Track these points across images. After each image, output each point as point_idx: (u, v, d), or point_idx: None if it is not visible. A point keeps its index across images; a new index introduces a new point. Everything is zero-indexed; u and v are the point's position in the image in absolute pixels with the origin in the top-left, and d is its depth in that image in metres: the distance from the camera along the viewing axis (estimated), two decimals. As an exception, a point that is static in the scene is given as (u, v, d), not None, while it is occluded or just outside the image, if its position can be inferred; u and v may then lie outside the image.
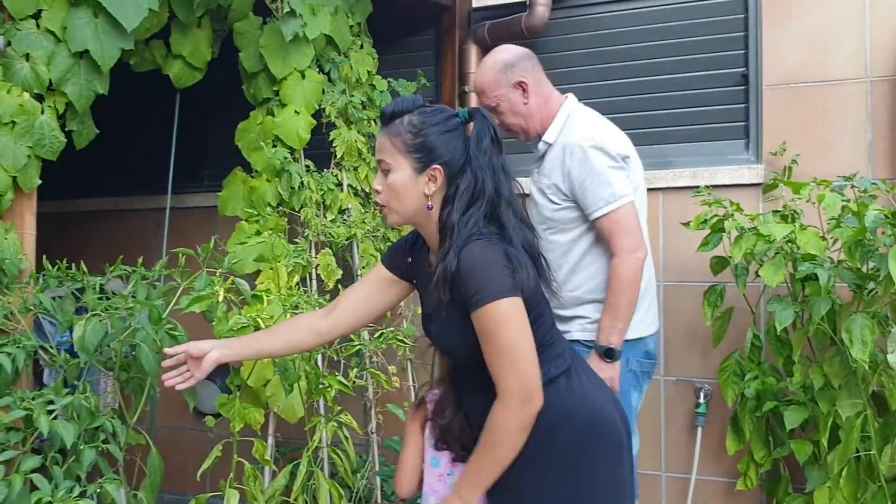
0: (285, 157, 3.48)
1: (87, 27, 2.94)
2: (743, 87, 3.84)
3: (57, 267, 2.87)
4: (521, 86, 2.91)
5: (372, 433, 3.52)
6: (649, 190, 3.12)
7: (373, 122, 3.90)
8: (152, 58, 3.60)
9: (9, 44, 2.90)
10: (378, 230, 3.73)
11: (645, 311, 2.90)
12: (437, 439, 2.23)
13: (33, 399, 2.42)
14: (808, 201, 3.17)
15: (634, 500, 2.17)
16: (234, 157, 3.84)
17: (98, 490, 2.41)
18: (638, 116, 3.94)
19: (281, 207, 3.55)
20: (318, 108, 3.64)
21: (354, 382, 3.16)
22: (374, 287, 2.25)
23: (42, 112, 2.92)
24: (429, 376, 3.82)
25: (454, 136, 1.99)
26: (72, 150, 3.01)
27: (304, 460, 2.92)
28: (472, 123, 2.01)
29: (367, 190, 3.84)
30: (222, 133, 4.49)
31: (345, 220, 3.67)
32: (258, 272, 3.38)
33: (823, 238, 3.10)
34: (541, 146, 2.97)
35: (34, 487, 2.35)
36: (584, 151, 2.80)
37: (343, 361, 3.35)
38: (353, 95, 3.77)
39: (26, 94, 2.89)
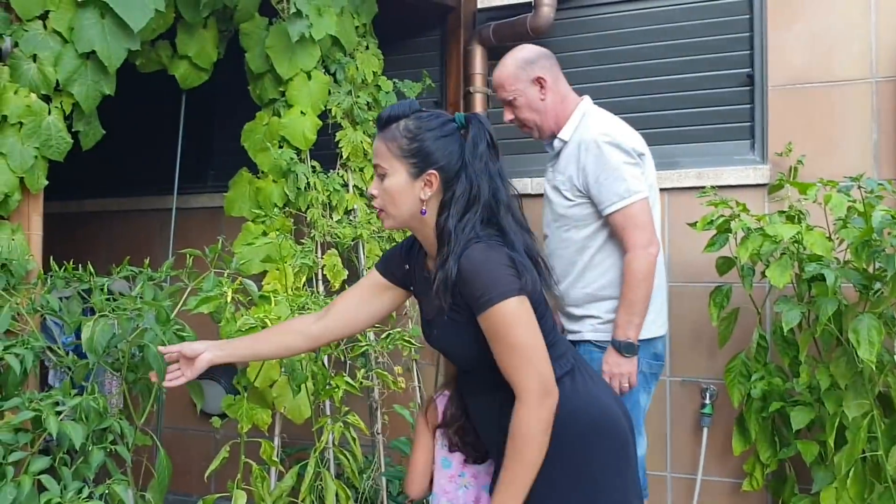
0: (291, 158, 3.47)
1: (94, 28, 2.94)
2: (748, 88, 3.84)
3: (64, 268, 2.87)
4: (540, 82, 2.97)
5: (378, 434, 3.52)
6: (654, 190, 3.12)
7: (378, 123, 3.90)
8: (158, 58, 3.60)
9: (16, 45, 2.90)
10: (383, 231, 3.73)
11: (657, 313, 2.92)
12: (448, 441, 2.23)
13: (41, 400, 2.42)
14: (814, 202, 3.18)
15: (642, 499, 2.17)
16: (238, 158, 3.84)
17: (106, 491, 2.40)
18: (643, 117, 3.93)
19: (287, 208, 3.55)
20: (324, 108, 3.64)
21: (361, 383, 3.16)
22: (368, 293, 2.26)
23: (49, 113, 2.92)
24: (434, 377, 3.84)
25: (450, 141, 1.99)
26: (75, 150, 3.01)
27: (311, 461, 2.92)
28: (468, 128, 2.01)
29: (372, 191, 3.84)
30: (227, 133, 4.50)
31: (350, 220, 3.67)
32: (264, 273, 3.38)
33: (829, 239, 3.10)
34: (556, 144, 3.02)
35: (43, 488, 2.34)
36: (599, 147, 2.85)
37: (349, 362, 3.34)
38: (358, 96, 3.77)
39: (33, 95, 2.89)
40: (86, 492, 2.36)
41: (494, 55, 4.22)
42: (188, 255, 2.79)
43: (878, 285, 2.99)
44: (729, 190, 3.67)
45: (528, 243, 2.00)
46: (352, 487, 3.23)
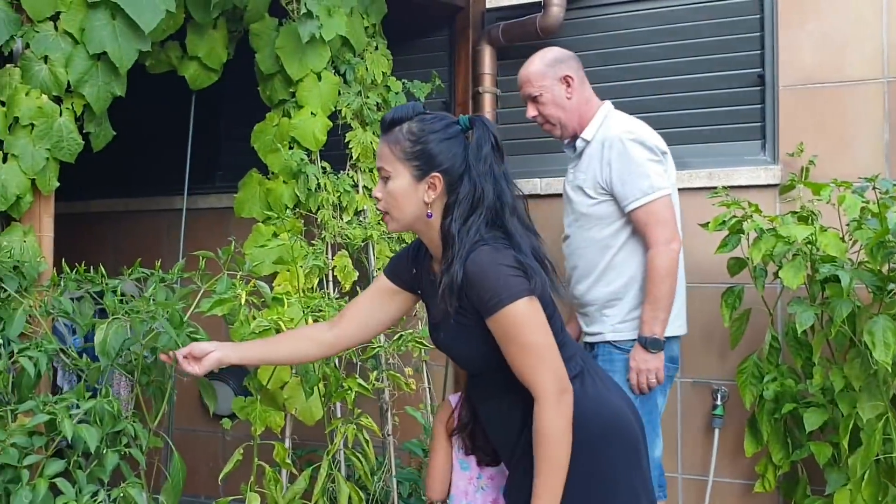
0: (302, 159, 3.46)
1: (105, 29, 2.93)
2: (759, 88, 3.82)
3: (76, 270, 2.86)
4: (567, 80, 3.04)
5: (388, 435, 3.51)
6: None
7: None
8: (168, 59, 3.59)
9: (27, 46, 2.89)
10: (393, 232, 3.72)
11: (675, 313, 2.92)
12: (461, 445, 2.23)
13: (56, 403, 2.41)
14: (828, 202, 3.16)
15: (654, 500, 2.16)
16: (246, 159, 3.83)
17: (121, 494, 2.39)
18: (653, 117, 3.89)
19: (297, 209, 3.54)
20: (333, 109, 3.62)
21: (374, 385, 3.15)
22: (378, 298, 2.25)
23: (60, 114, 2.91)
24: (443, 379, 3.83)
25: (454, 143, 1.98)
26: (82, 150, 3.00)
27: (324, 463, 2.91)
28: (472, 131, 2.00)
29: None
30: (234, 134, 4.49)
31: (360, 221, 3.66)
32: (274, 274, 3.37)
33: (842, 239, 3.08)
34: (578, 143, 3.06)
35: (58, 492, 2.33)
36: (623, 144, 2.90)
37: (360, 364, 3.33)
38: (368, 97, 3.76)
39: (45, 97, 2.88)
40: (101, 495, 2.34)
41: (503, 55, 4.22)
42: (201, 257, 2.78)
43: (892, 286, 2.97)
44: (740, 190, 3.65)
45: (534, 245, 1.99)
46: (363, 489, 3.22)
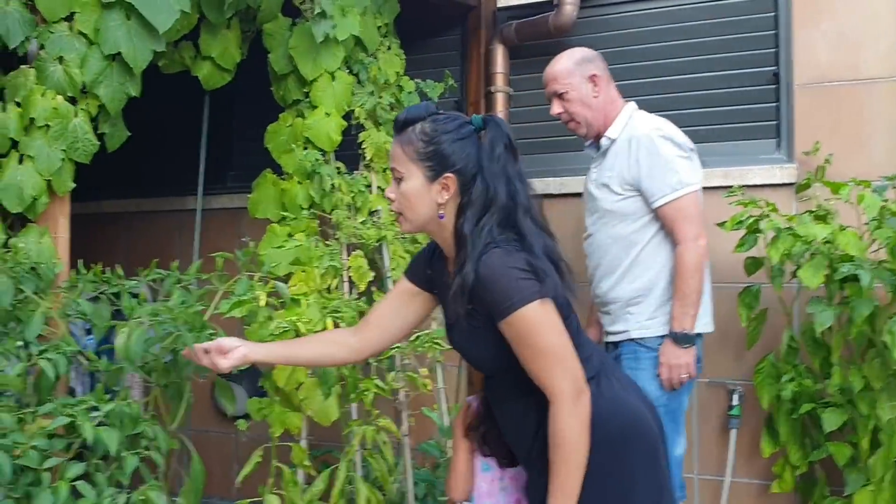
0: (317, 160, 3.45)
1: (120, 29, 2.92)
2: (774, 87, 3.80)
3: (92, 271, 2.84)
4: (594, 79, 3.07)
5: (404, 436, 3.49)
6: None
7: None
8: (181, 59, 3.57)
9: (42, 46, 2.88)
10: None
11: (702, 311, 2.94)
12: (479, 446, 2.22)
13: (75, 406, 2.39)
14: (846, 201, 3.15)
15: (675, 501, 2.15)
16: (258, 159, 3.82)
17: (142, 497, 2.38)
18: (667, 116, 3.86)
19: (312, 210, 3.53)
20: (347, 109, 3.61)
21: (391, 386, 3.14)
22: (399, 301, 2.23)
23: (75, 115, 2.90)
24: (456, 379, 3.82)
25: (467, 143, 1.96)
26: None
27: (342, 465, 2.89)
28: (485, 131, 1.98)
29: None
30: (246, 134, 4.47)
31: (374, 221, 3.64)
32: (289, 275, 3.36)
33: (860, 238, 3.07)
34: (603, 142, 3.08)
35: (79, 495, 2.32)
36: (651, 141, 2.93)
37: (375, 365, 3.32)
38: (381, 97, 3.74)
39: (60, 97, 2.88)
40: (122, 498, 2.33)
41: (516, 54, 4.21)
42: (217, 258, 2.76)
43: (912, 286, 2.96)
44: (755, 189, 3.63)
45: (547, 245, 1.97)
46: (380, 490, 3.20)
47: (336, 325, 2.98)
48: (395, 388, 3.28)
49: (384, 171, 3.77)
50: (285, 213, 3.42)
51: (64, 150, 2.87)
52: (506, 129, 1.99)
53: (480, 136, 1.98)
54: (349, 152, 3.75)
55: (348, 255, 3.55)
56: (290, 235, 3.37)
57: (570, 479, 1.86)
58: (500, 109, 4.12)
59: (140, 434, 2.52)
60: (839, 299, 3.13)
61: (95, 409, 2.42)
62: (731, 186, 3.50)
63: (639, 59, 4.02)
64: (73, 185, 2.93)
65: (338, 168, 3.60)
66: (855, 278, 2.95)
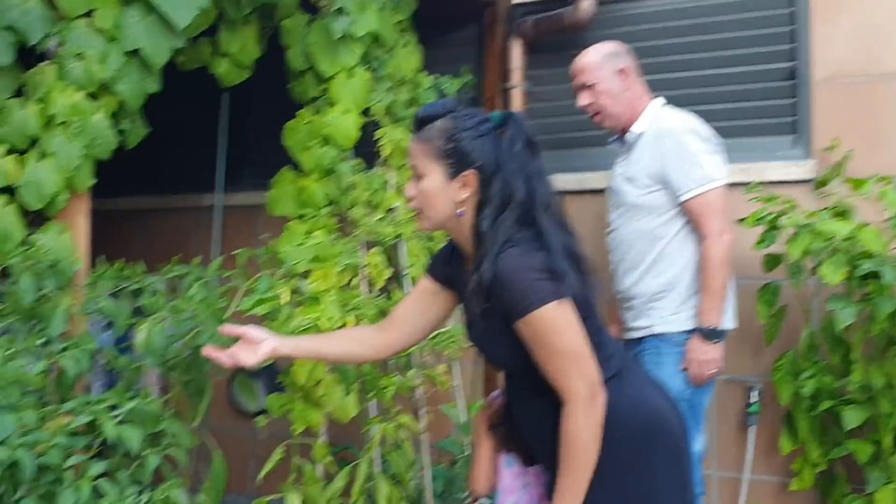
0: (335, 157, 3.44)
1: (139, 26, 2.93)
2: (792, 82, 3.78)
3: (112, 268, 2.85)
4: (623, 73, 3.10)
5: (422, 433, 3.48)
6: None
7: (417, 120, 3.87)
8: (200, 56, 3.57)
9: (62, 43, 2.88)
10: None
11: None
12: (503, 442, 2.21)
13: (97, 404, 2.40)
14: (867, 198, 3.13)
15: (697, 499, 2.15)
16: (275, 156, 3.81)
17: (164, 496, 2.38)
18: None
19: (330, 207, 3.52)
20: (365, 106, 3.60)
21: (410, 383, 3.14)
22: (422, 300, 2.23)
23: (95, 112, 2.90)
24: (471, 376, 3.82)
25: (486, 140, 1.95)
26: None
27: (363, 462, 2.90)
28: (505, 127, 1.97)
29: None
30: (262, 131, 4.46)
31: (392, 219, 3.64)
32: (307, 272, 3.35)
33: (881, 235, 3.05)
34: (629, 137, 3.10)
35: (101, 493, 2.32)
36: (679, 135, 2.96)
37: (394, 362, 3.31)
38: (398, 93, 3.73)
39: (80, 94, 2.87)
40: (145, 496, 2.33)
41: (533, 50, 4.19)
42: (239, 255, 2.76)
43: (935, 283, 2.94)
44: (772, 186, 3.60)
45: (567, 243, 1.95)
46: (399, 485, 3.20)
47: (357, 323, 2.97)
48: (413, 385, 3.28)
49: (401, 168, 3.75)
50: (304, 211, 3.41)
51: (84, 147, 2.86)
52: (525, 125, 1.99)
53: (500, 133, 1.97)
54: (366, 149, 3.74)
55: (366, 253, 3.55)
56: (308, 233, 3.37)
57: (578, 480, 1.86)
58: (518, 105, 4.10)
59: (161, 432, 2.53)
60: (859, 296, 3.12)
61: (116, 407, 2.42)
62: (748, 183, 3.48)
63: (655, 55, 3.99)
64: (93, 181, 2.93)
65: (355, 165, 3.59)
66: (876, 275, 2.94)
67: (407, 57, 3.82)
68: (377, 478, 2.91)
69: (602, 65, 3.10)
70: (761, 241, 3.30)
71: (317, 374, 3.05)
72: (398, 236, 3.53)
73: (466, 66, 4.10)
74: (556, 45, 4.13)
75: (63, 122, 2.84)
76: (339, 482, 2.90)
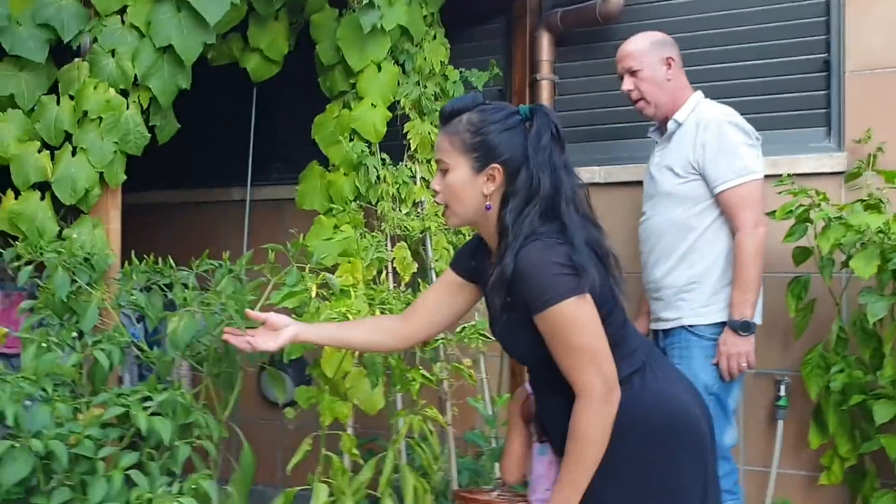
0: (363, 151, 3.47)
1: (171, 22, 2.96)
2: (824, 74, 3.74)
3: (144, 262, 2.89)
4: (669, 62, 3.15)
5: (448, 425, 3.51)
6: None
7: (445, 114, 3.88)
8: (230, 51, 3.61)
9: (95, 40, 2.92)
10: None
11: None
12: (536, 431, 2.22)
13: (129, 396, 2.44)
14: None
15: (720, 494, 2.14)
16: (302, 150, 3.85)
17: (194, 486, 2.42)
18: (715, 104, 3.86)
19: (357, 201, 3.55)
20: (393, 100, 3.62)
21: (437, 376, 3.16)
22: (446, 292, 2.24)
23: (127, 107, 2.94)
24: (498, 369, 3.83)
25: (514, 134, 1.96)
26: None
27: (390, 454, 2.92)
28: (532, 121, 1.97)
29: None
30: (290, 126, 4.50)
31: (418, 213, 3.66)
32: (335, 266, 3.39)
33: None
34: (670, 125, 3.13)
35: (132, 484, 2.37)
36: (719, 126, 2.98)
37: (419, 355, 3.34)
38: (426, 87, 3.74)
39: (112, 90, 2.92)
40: (175, 487, 2.38)
41: (562, 42, 4.18)
42: (269, 250, 2.79)
43: (968, 277, 2.91)
44: (804, 178, 3.56)
45: (591, 237, 1.95)
46: (425, 478, 3.23)
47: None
48: (440, 378, 3.30)
49: (428, 161, 3.77)
50: (332, 206, 3.44)
51: (116, 143, 2.91)
52: (553, 118, 1.98)
53: (527, 126, 1.97)
54: (394, 143, 3.76)
55: (392, 247, 3.57)
56: (336, 227, 3.40)
57: (582, 474, 1.87)
58: (546, 98, 4.10)
59: (192, 423, 2.57)
60: (892, 289, 3.09)
61: (148, 398, 2.46)
62: (779, 175, 3.45)
63: (686, 47, 3.92)
64: (125, 177, 2.97)
65: (383, 159, 3.61)
66: (907, 269, 2.91)
67: (435, 50, 3.83)
68: (403, 469, 2.94)
69: (648, 52, 3.14)
70: (790, 235, 3.27)
71: (344, 367, 3.08)
72: (425, 230, 3.55)
73: (494, 59, 4.09)
74: (586, 37, 4.12)
75: (96, 119, 2.89)
76: (366, 473, 2.93)
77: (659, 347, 3.19)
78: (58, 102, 2.90)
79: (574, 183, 1.98)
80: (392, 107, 3.64)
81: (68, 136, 2.90)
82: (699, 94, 3.20)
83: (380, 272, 3.49)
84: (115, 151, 2.91)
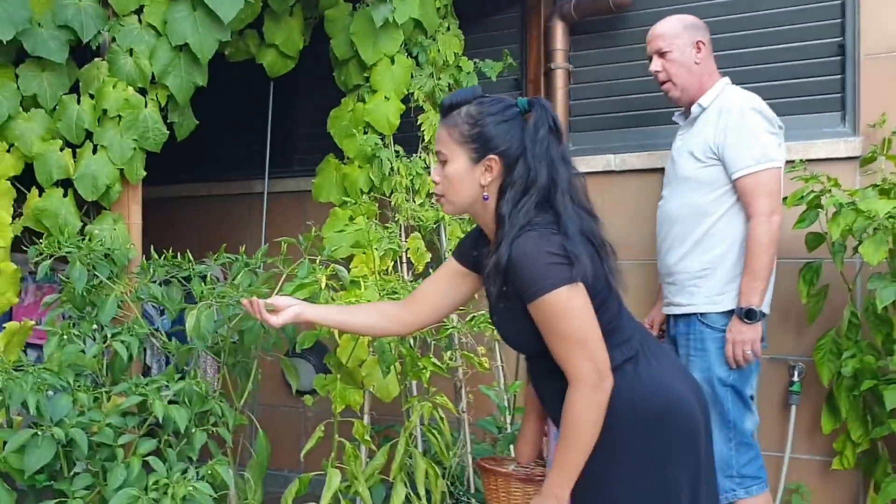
0: (376, 144, 3.52)
1: (186, 20, 3.03)
2: (839, 58, 3.73)
3: (164, 256, 2.98)
4: (699, 45, 3.15)
5: (463, 412, 3.57)
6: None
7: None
8: (246, 47, 3.68)
9: (113, 39, 3.00)
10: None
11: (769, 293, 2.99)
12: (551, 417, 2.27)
13: (147, 385, 2.53)
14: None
15: (715, 482, 2.16)
16: (324, 142, 3.91)
17: (209, 471, 2.51)
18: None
19: (372, 193, 3.61)
20: (406, 92, 3.67)
21: (448, 364, 3.22)
22: (448, 280, 2.29)
23: (145, 105, 3.02)
24: (515, 357, 3.88)
25: (511, 125, 2.00)
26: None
27: (401, 440, 2.99)
28: (531, 113, 2.01)
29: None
30: (311, 118, 4.57)
31: (433, 203, 3.71)
32: (351, 256, 3.46)
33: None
34: (694, 109, 3.15)
35: (150, 470, 2.46)
36: (742, 112, 2.98)
37: (434, 343, 3.40)
38: (439, 78, 3.79)
39: (130, 89, 3.00)
40: (191, 472, 2.47)
41: (575, 31, 4.20)
42: (283, 243, 2.87)
43: (977, 262, 2.91)
44: (819, 163, 3.58)
45: (586, 226, 1.99)
46: (438, 464, 3.30)
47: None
48: (452, 366, 3.36)
49: (443, 152, 3.82)
50: (347, 198, 3.51)
51: (135, 140, 3.00)
52: (551, 111, 2.02)
53: (525, 119, 2.02)
54: (408, 134, 3.82)
55: (407, 237, 3.63)
56: (351, 219, 3.46)
57: (574, 460, 1.92)
58: (560, 86, 4.12)
59: (209, 411, 2.66)
60: (903, 275, 3.10)
61: (166, 387, 2.55)
62: (793, 161, 3.46)
63: (700, 33, 3.96)
64: (145, 173, 3.06)
65: (396, 151, 3.67)
66: (918, 254, 2.92)
67: (448, 41, 3.87)
68: (415, 455, 3.01)
69: (680, 34, 3.14)
70: (801, 221, 3.29)
71: (360, 355, 3.16)
72: (439, 220, 3.60)
73: (509, 49, 4.12)
74: (599, 25, 4.13)
75: (115, 117, 2.97)
76: (379, 459, 3.00)
77: (670, 335, 3.22)
78: (78, 101, 2.99)
79: (570, 174, 2.02)
80: (406, 99, 3.69)
81: (89, 135, 2.99)
82: (726, 79, 3.20)
83: (395, 263, 3.56)
84: (135, 148, 3.00)
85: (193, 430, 2.58)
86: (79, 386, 2.47)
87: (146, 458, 2.46)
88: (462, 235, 3.62)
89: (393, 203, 3.59)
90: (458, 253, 2.29)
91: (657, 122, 3.96)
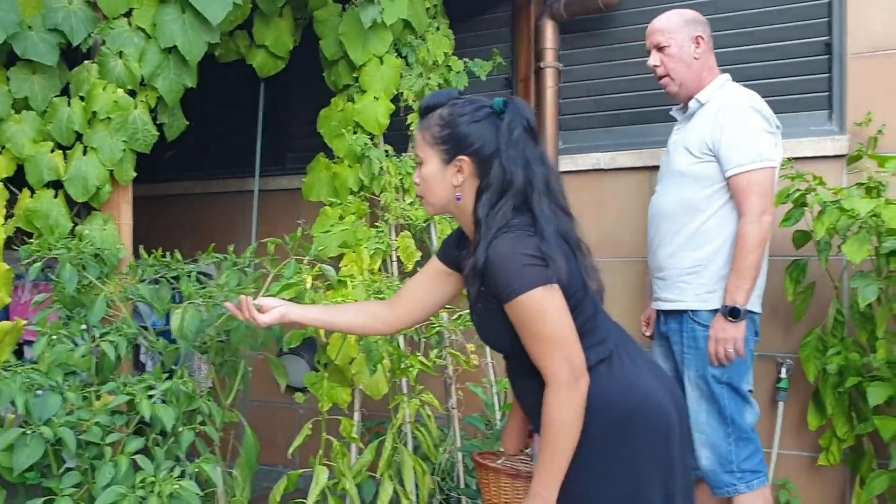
0: (365, 143, 3.55)
1: (175, 23, 3.06)
2: (826, 57, 3.75)
3: (153, 256, 3.01)
4: (698, 41, 3.13)
5: (452, 409, 3.60)
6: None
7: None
8: (236, 48, 3.71)
9: (103, 42, 3.03)
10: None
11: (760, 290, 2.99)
12: None
13: (135, 384, 2.57)
14: (893, 174, 3.12)
15: (690, 482, 2.17)
16: (315, 141, 3.93)
17: (196, 469, 2.55)
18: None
19: (362, 192, 3.64)
20: (396, 92, 3.69)
21: (435, 363, 3.25)
22: (432, 280, 2.31)
23: (135, 107, 3.05)
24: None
25: (483, 126, 2.00)
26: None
27: (388, 437, 3.02)
28: (505, 113, 2.01)
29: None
30: (303, 117, 4.59)
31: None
32: (341, 255, 3.49)
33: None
34: (692, 105, 3.13)
35: (138, 468, 2.50)
36: (740, 109, 2.97)
37: (423, 341, 3.43)
38: (429, 78, 3.81)
39: (120, 91, 3.03)
40: (177, 470, 2.50)
41: (565, 30, 4.22)
42: (269, 243, 2.90)
43: (959, 261, 2.93)
44: (806, 162, 3.60)
45: (562, 227, 2.00)
46: (427, 461, 3.33)
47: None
48: (439, 364, 3.39)
49: (432, 151, 3.84)
50: (336, 197, 3.54)
51: (125, 141, 3.03)
52: (525, 111, 2.03)
53: (500, 119, 2.02)
54: (398, 133, 3.84)
55: (396, 236, 3.66)
56: (340, 218, 3.49)
57: (556, 461, 1.93)
58: (550, 85, 4.14)
59: (196, 410, 2.69)
60: (886, 273, 3.12)
61: (154, 387, 2.59)
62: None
63: (688, 32, 3.98)
64: (135, 174, 3.09)
65: (386, 151, 3.69)
66: (899, 253, 2.94)
67: (438, 41, 3.88)
68: (402, 452, 3.04)
69: (679, 28, 3.12)
70: (787, 219, 3.31)
71: (350, 353, 3.19)
72: (428, 220, 3.63)
73: (499, 48, 4.14)
74: (589, 24, 4.15)
75: (105, 118, 3.01)
76: (367, 456, 3.04)
77: (660, 330, 3.23)
78: (69, 104, 3.02)
79: (547, 175, 2.03)
80: (395, 99, 3.72)
81: (79, 136, 3.03)
82: (726, 76, 3.18)
83: (384, 262, 3.59)
84: (124, 150, 3.03)
85: (181, 429, 2.61)
86: (68, 385, 2.51)
87: (134, 457, 2.49)
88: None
89: (382, 202, 3.62)
90: (442, 253, 2.31)
91: (647, 121, 3.98)
